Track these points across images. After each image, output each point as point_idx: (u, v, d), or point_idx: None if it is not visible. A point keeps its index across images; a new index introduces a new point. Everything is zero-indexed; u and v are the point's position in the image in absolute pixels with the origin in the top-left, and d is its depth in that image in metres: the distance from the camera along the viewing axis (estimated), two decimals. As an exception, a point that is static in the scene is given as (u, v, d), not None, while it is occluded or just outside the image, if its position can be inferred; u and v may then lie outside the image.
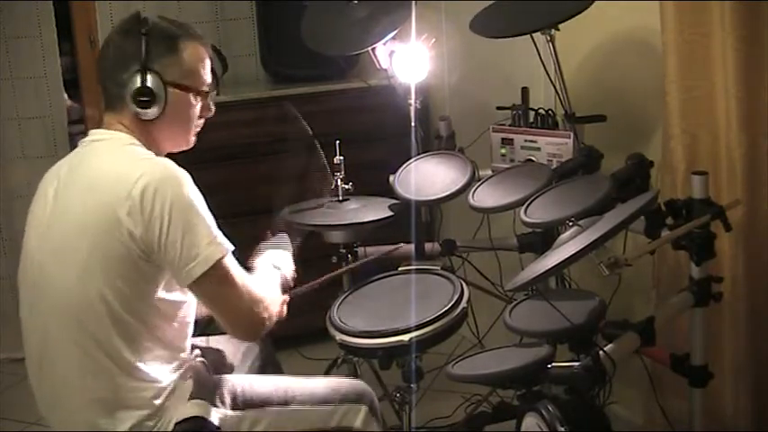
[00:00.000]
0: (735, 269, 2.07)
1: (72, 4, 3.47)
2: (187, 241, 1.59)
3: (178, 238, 1.59)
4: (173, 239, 1.59)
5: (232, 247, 1.67)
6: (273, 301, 1.77)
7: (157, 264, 1.62)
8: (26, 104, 3.42)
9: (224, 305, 1.68)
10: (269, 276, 1.87)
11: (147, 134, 1.74)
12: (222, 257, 1.63)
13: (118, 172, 1.63)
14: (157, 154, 1.73)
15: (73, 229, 1.64)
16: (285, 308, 1.86)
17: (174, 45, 1.72)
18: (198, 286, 1.64)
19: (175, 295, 1.70)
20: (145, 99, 1.68)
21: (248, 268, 1.84)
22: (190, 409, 1.71)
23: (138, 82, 1.67)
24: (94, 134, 1.75)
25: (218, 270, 1.62)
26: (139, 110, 1.69)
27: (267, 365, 2.10)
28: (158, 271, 1.64)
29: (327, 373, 2.58)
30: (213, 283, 1.64)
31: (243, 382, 1.83)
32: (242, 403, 1.78)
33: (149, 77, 1.67)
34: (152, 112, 1.70)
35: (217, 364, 1.96)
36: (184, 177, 1.63)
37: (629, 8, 2.38)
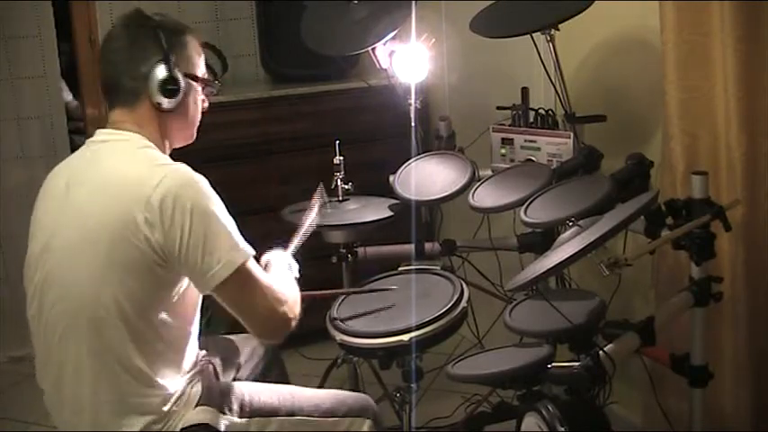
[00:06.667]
0: (735, 269, 2.07)
1: (72, 3, 3.47)
2: (208, 247, 1.60)
3: (199, 244, 1.60)
4: (194, 246, 1.59)
5: (253, 252, 1.68)
6: (296, 301, 1.76)
7: (176, 270, 1.63)
8: (25, 104, 3.42)
9: (248, 308, 1.69)
10: (287, 275, 1.87)
11: (161, 128, 1.75)
12: (245, 262, 1.64)
13: (136, 176, 1.64)
14: (167, 149, 1.76)
15: (85, 230, 1.63)
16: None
17: (183, 38, 1.76)
18: (221, 291, 1.64)
19: (187, 302, 1.70)
20: (173, 88, 1.71)
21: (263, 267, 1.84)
22: (197, 415, 1.71)
23: (162, 72, 1.69)
24: (102, 134, 1.74)
25: (240, 274, 1.63)
26: (164, 99, 1.71)
27: (272, 365, 2.10)
28: (174, 277, 1.64)
29: (327, 372, 2.58)
30: (236, 288, 1.65)
31: (250, 390, 1.84)
32: (249, 412, 1.79)
33: (171, 67, 1.71)
34: (173, 101, 1.72)
35: (226, 357, 1.97)
36: (203, 183, 1.64)
37: (629, 8, 2.38)
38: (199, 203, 1.60)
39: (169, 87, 1.71)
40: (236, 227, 1.66)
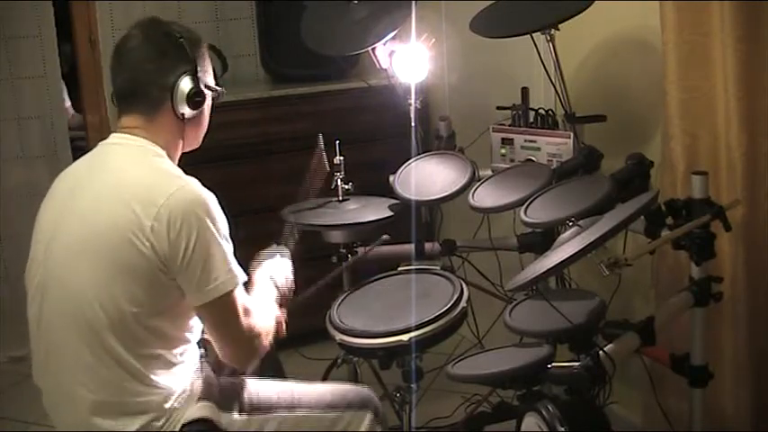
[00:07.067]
0: (735, 269, 2.07)
1: (72, 3, 3.47)
2: (208, 266, 1.63)
3: (200, 261, 1.62)
4: (195, 261, 1.62)
5: (245, 278, 1.71)
6: (269, 333, 1.78)
7: (174, 277, 1.64)
8: (25, 104, 3.43)
9: (225, 333, 1.71)
10: (268, 300, 1.87)
11: (177, 135, 1.77)
12: (234, 289, 1.66)
13: (149, 184, 1.65)
14: (178, 155, 1.79)
15: (90, 231, 1.64)
16: (284, 326, 1.88)
17: (202, 49, 1.80)
18: (205, 310, 1.66)
19: (189, 307, 1.70)
20: (198, 99, 1.76)
21: (248, 279, 1.85)
22: (198, 410, 1.72)
23: (189, 84, 1.73)
24: (116, 137, 1.75)
25: (228, 299, 1.66)
26: (188, 110, 1.75)
27: (266, 360, 2.10)
28: (176, 283, 1.65)
29: (327, 372, 2.58)
30: (221, 311, 1.67)
31: (250, 386, 1.84)
32: (249, 407, 1.80)
33: (198, 79, 1.75)
34: (196, 111, 1.77)
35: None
36: (212, 201, 1.66)
37: (629, 8, 2.38)
38: (205, 221, 1.63)
39: (195, 99, 1.75)
40: (232, 251, 1.68)
